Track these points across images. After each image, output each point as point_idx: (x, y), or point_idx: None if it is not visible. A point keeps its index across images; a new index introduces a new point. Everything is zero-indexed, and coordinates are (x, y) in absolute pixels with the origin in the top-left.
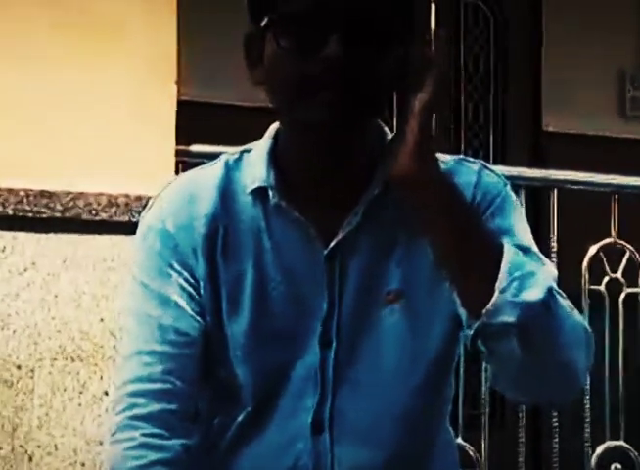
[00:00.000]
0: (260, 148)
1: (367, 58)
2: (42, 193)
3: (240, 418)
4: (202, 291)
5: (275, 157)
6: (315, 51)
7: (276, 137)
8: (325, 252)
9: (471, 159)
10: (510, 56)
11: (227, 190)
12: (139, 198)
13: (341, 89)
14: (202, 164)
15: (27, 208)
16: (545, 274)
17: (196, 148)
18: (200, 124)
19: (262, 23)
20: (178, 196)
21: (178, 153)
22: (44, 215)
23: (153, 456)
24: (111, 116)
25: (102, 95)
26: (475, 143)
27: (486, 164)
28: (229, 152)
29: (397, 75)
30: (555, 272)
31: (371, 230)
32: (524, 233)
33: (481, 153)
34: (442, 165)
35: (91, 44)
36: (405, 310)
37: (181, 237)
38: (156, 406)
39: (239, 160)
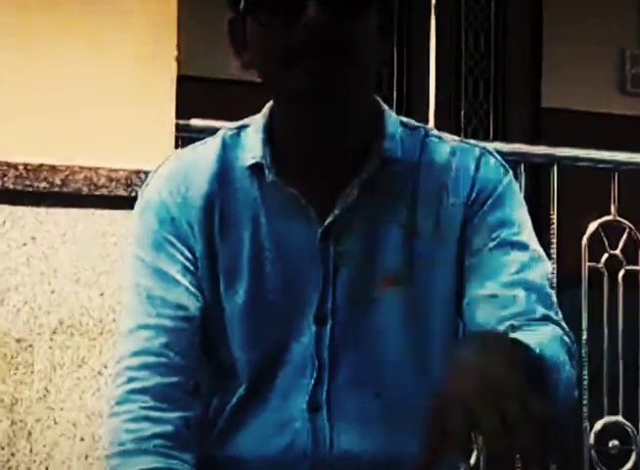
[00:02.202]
0: (257, 124)
1: (347, 22)
2: (42, 167)
3: (237, 395)
4: (199, 266)
5: (271, 133)
6: (295, 20)
7: (271, 113)
8: (321, 228)
9: (473, 142)
10: (510, 32)
11: (224, 166)
12: (139, 172)
13: (323, 54)
14: (201, 138)
15: (27, 182)
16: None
17: (196, 122)
18: (199, 99)
19: (240, 7)
20: (175, 171)
21: (178, 127)
22: (43, 190)
23: (151, 429)
24: (111, 91)
25: (102, 70)
26: (474, 119)
27: (489, 149)
28: (227, 127)
29: (381, 44)
30: (550, 268)
31: (367, 207)
32: (523, 226)
33: (481, 129)
34: (444, 146)
35: (91, 19)
36: (404, 292)
37: (178, 212)
38: (155, 379)
39: (236, 136)
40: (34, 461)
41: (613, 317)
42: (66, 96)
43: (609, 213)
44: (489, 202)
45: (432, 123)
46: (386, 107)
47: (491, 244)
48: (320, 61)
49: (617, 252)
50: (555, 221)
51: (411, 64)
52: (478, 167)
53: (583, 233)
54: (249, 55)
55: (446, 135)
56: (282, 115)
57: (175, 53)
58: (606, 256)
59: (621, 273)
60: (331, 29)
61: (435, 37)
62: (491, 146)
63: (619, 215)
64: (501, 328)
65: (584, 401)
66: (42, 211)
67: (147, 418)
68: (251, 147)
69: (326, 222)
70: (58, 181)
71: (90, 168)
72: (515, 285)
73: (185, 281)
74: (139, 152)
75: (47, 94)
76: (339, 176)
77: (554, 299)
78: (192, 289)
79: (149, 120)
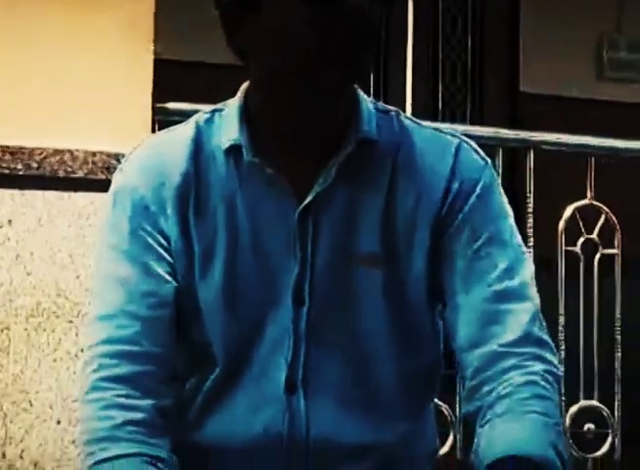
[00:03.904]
0: (232, 107)
1: (377, 8)
2: (18, 150)
3: (213, 379)
4: (173, 252)
5: (248, 115)
6: (335, 4)
7: (246, 96)
8: (299, 209)
9: (449, 132)
10: (488, 17)
11: (198, 150)
12: (116, 155)
13: (358, 44)
14: (179, 121)
15: (3, 164)
16: None
17: (173, 105)
18: (177, 83)
19: None
20: (148, 157)
21: (155, 110)
22: (20, 172)
23: (124, 416)
24: (88, 74)
25: (79, 53)
26: (452, 103)
27: (466, 139)
28: (201, 112)
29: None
30: (532, 267)
31: (345, 188)
32: (504, 223)
33: (458, 112)
34: (422, 130)
35: (68, 2)
36: (380, 272)
37: (152, 198)
38: (128, 368)
39: (211, 119)
40: (10, 444)
41: (589, 301)
42: (43, 79)
43: (585, 198)
44: (471, 199)
45: (409, 107)
46: (358, 88)
47: (475, 245)
48: (349, 48)
49: (594, 236)
50: (531, 205)
51: (388, 47)
52: (456, 158)
53: (560, 217)
54: (251, 37)
55: (423, 122)
56: (265, 97)
57: (152, 36)
58: (582, 240)
59: (597, 257)
60: (368, 16)
61: (413, 21)
62: (467, 129)
63: (596, 200)
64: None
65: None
66: (18, 193)
67: (119, 405)
68: (228, 129)
69: (304, 203)
70: (34, 164)
71: (67, 151)
72: (499, 297)
73: (159, 269)
74: (116, 134)
75: (24, 77)
76: (317, 157)
77: (537, 307)
78: (166, 276)
79: (126, 103)
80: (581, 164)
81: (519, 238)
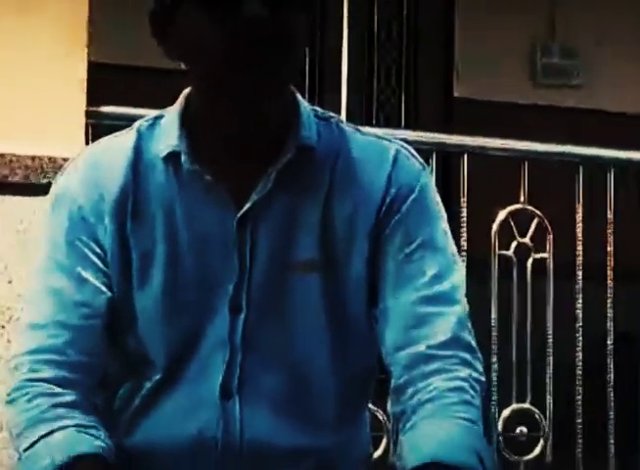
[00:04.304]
0: (172, 113)
1: (285, 15)
2: None
3: (148, 385)
4: (109, 263)
5: (188, 122)
6: (233, 14)
7: (187, 103)
8: (237, 216)
9: (388, 137)
10: (422, 21)
11: (138, 158)
12: (50, 159)
13: (263, 49)
14: (112, 125)
15: None
16: None
17: (106, 109)
18: (111, 86)
19: (166, 1)
20: (87, 166)
21: (89, 114)
22: None
23: (52, 400)
24: (22, 77)
25: (13, 56)
26: (387, 107)
27: (404, 145)
28: (142, 119)
29: (307, 35)
30: (463, 273)
31: (283, 195)
32: (439, 229)
33: (393, 116)
34: (361, 138)
35: (2, 2)
36: (318, 279)
37: (89, 209)
38: (55, 372)
39: (152, 127)
40: None
41: (521, 304)
42: None
43: (518, 202)
44: (406, 204)
45: (344, 109)
46: (299, 95)
47: (408, 249)
48: (256, 56)
49: (527, 240)
50: (465, 209)
51: (323, 50)
52: (394, 164)
53: (493, 221)
54: (175, 47)
55: (361, 128)
56: (203, 104)
57: (86, 39)
58: (515, 243)
59: (530, 261)
60: (269, 24)
61: (348, 24)
62: (402, 134)
63: (529, 204)
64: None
65: (493, 388)
66: None
67: (45, 394)
68: (167, 136)
69: (242, 210)
70: None
71: (0, 155)
72: (428, 300)
73: (94, 279)
74: (51, 139)
75: None
76: (256, 165)
77: (466, 312)
78: (101, 287)
79: (59, 107)
80: (515, 168)
81: (452, 243)
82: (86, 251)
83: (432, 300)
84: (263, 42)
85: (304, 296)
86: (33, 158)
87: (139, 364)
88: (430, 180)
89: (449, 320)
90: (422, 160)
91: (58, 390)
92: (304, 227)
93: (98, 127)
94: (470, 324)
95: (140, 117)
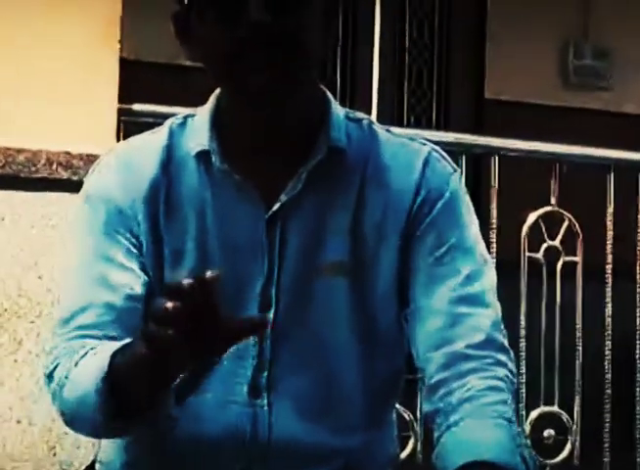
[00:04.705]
0: (204, 113)
1: (291, 17)
2: None
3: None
4: (145, 253)
5: (218, 121)
6: (239, 18)
7: (217, 102)
8: (267, 216)
9: (420, 140)
10: (454, 22)
11: (171, 155)
12: (80, 156)
13: (267, 51)
14: (144, 123)
15: None
16: None
17: (138, 107)
18: (143, 83)
19: (185, 2)
20: (120, 164)
21: (120, 112)
22: None
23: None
24: (54, 74)
25: (45, 53)
26: (417, 109)
27: (436, 148)
28: (173, 118)
29: (325, 31)
30: (494, 276)
31: (313, 197)
32: (470, 231)
33: (424, 117)
34: (392, 140)
35: (36, 2)
36: (347, 281)
37: (124, 206)
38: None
39: (183, 125)
40: None
41: (550, 307)
42: (7, 78)
43: (549, 204)
44: (437, 206)
45: (374, 111)
46: (330, 96)
47: (439, 251)
48: (265, 58)
49: (557, 242)
50: (495, 211)
51: (355, 51)
52: (425, 167)
53: (523, 223)
54: (194, 48)
55: (391, 129)
56: (231, 106)
57: (119, 37)
58: (545, 246)
59: (560, 264)
60: (275, 26)
61: (380, 25)
62: (432, 135)
63: (559, 207)
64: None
65: (521, 391)
66: None
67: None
68: (199, 134)
69: (272, 210)
70: None
71: (31, 151)
72: (462, 301)
73: (132, 264)
74: (81, 135)
75: None
76: (286, 165)
77: (499, 315)
78: (141, 273)
79: (91, 104)
80: (546, 170)
81: (483, 246)
82: (125, 241)
83: (465, 300)
84: (268, 44)
85: (332, 297)
86: (65, 154)
87: None
88: (461, 183)
89: (484, 321)
90: (453, 163)
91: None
92: (334, 229)
93: (129, 125)
94: (502, 325)
95: (171, 114)
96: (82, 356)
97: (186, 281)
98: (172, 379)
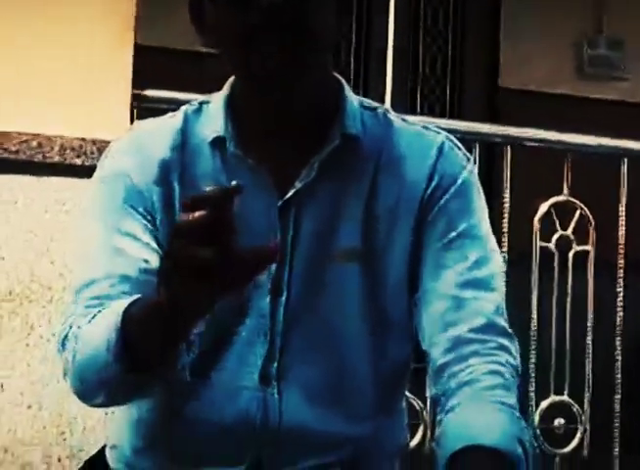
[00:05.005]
0: (218, 99)
1: (302, 3)
2: None
3: (189, 363)
4: (160, 233)
5: (233, 107)
6: (251, 2)
7: (232, 89)
8: (280, 202)
9: (435, 129)
10: (468, 10)
11: (185, 139)
12: (94, 141)
13: (279, 36)
14: (158, 109)
15: None
16: None
17: (151, 93)
18: (157, 69)
19: None
20: (133, 143)
21: (134, 97)
22: None
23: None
24: (67, 59)
25: (58, 39)
26: (431, 96)
27: (450, 137)
28: (188, 104)
29: (337, 16)
30: (502, 263)
31: (327, 184)
32: (480, 219)
33: (438, 105)
34: (407, 128)
35: None
36: (359, 268)
37: (138, 181)
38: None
39: (198, 111)
40: None
41: (562, 297)
42: (20, 64)
43: (561, 194)
44: (449, 193)
45: (388, 98)
46: (345, 85)
47: (449, 236)
48: (276, 42)
49: (569, 232)
50: (507, 200)
51: (369, 38)
52: (439, 155)
53: (535, 213)
54: (208, 34)
55: (406, 117)
56: (243, 91)
57: (133, 23)
58: (557, 235)
59: (572, 253)
60: (286, 10)
61: (394, 13)
62: (446, 123)
63: (572, 196)
64: (449, 333)
65: (531, 380)
66: None
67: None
68: (213, 120)
69: (286, 196)
70: (11, 148)
71: (44, 136)
72: (468, 285)
73: (149, 239)
74: (95, 121)
75: (1, 62)
76: (300, 152)
77: (503, 300)
78: (155, 246)
79: (104, 89)
80: (558, 159)
81: (491, 235)
82: (142, 218)
83: (470, 284)
84: (279, 28)
85: (344, 284)
86: (78, 140)
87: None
88: (473, 172)
89: (487, 306)
90: (466, 151)
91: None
92: (347, 216)
93: (143, 111)
94: (505, 311)
95: (186, 101)
96: (94, 316)
97: (209, 189)
98: (186, 330)
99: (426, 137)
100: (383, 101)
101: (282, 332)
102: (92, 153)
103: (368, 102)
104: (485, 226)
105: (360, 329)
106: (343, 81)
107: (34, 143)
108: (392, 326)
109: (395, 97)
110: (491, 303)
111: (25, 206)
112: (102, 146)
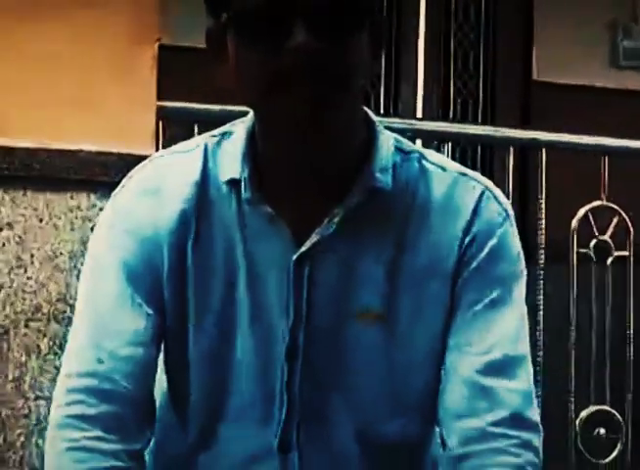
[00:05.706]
0: (239, 135)
1: (337, 46)
2: (20, 150)
3: (195, 432)
4: (165, 290)
5: (253, 148)
6: (281, 43)
7: (254, 126)
8: (296, 254)
9: (475, 176)
10: (501, 4)
11: (203, 180)
12: (120, 156)
13: (316, 80)
14: (182, 121)
15: (4, 165)
16: None
17: (176, 105)
18: (182, 69)
19: (222, 19)
20: (151, 182)
21: (159, 110)
22: (21, 173)
23: (94, 462)
24: (90, 74)
25: (81, 52)
26: (464, 91)
27: (491, 187)
28: (209, 134)
29: (370, 54)
30: (526, 324)
31: (348, 238)
32: (512, 284)
33: (471, 100)
34: (442, 177)
35: None
36: (383, 332)
37: (149, 228)
38: (103, 407)
39: (218, 145)
40: (9, 450)
41: (600, 303)
42: (44, 79)
43: (599, 198)
44: (484, 253)
45: (420, 94)
46: (378, 126)
47: (476, 306)
48: (309, 87)
49: (607, 237)
50: (543, 206)
51: (400, 35)
52: (476, 210)
53: (572, 218)
54: (226, 71)
55: (443, 160)
56: (264, 133)
57: (157, 34)
58: (594, 241)
59: (610, 259)
60: (319, 56)
61: (425, 9)
62: (480, 129)
63: (609, 200)
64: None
65: (571, 389)
66: (19, 194)
67: (90, 449)
68: (232, 161)
69: (303, 248)
70: (36, 165)
71: (70, 152)
72: (493, 370)
73: (148, 307)
74: (119, 136)
75: (24, 76)
76: (322, 201)
77: (531, 386)
78: (153, 315)
79: (129, 104)
80: (595, 163)
81: (523, 304)
82: (142, 277)
83: (495, 369)
84: (314, 73)
85: (364, 346)
86: (103, 154)
87: (182, 409)
88: (510, 228)
89: (511, 396)
90: (506, 203)
91: (103, 446)
92: (369, 272)
93: (168, 123)
94: (535, 400)
95: (209, 112)
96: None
97: None
98: None
99: (464, 187)
100: (415, 97)
101: (299, 397)
102: (117, 168)
103: (402, 143)
104: (518, 291)
105: (381, 392)
106: (377, 123)
107: (59, 159)
108: (417, 390)
109: (428, 92)
110: (517, 392)
111: (51, 223)
112: (127, 160)
